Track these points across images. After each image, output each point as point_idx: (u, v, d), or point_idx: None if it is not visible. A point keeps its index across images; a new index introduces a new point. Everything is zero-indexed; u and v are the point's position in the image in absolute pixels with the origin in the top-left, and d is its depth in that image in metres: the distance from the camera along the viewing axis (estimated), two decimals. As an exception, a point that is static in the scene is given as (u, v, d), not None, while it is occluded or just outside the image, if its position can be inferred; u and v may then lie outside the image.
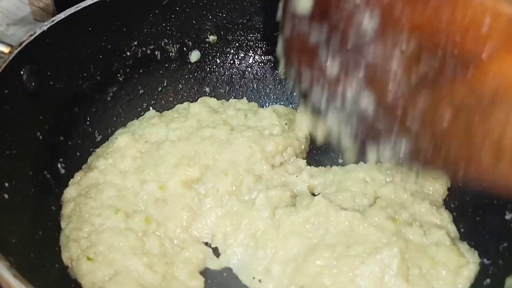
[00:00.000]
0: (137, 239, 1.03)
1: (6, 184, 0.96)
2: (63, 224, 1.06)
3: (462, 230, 1.10)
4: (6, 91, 1.00)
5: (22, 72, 1.04)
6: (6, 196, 0.95)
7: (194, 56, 1.33)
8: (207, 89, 1.36)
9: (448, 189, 1.17)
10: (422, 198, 1.12)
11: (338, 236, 1.02)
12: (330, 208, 1.05)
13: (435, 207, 1.11)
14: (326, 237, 1.03)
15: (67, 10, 1.12)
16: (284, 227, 1.05)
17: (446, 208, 1.14)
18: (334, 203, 1.08)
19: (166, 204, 1.10)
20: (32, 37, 1.06)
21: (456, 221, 1.11)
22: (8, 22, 1.61)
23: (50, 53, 1.10)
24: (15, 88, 1.02)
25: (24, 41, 1.05)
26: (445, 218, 1.10)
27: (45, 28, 1.08)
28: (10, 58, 1.02)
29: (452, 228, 1.09)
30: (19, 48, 1.04)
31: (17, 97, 1.03)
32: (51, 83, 1.11)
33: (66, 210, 1.07)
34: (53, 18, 1.10)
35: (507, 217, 1.04)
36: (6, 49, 1.05)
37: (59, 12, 1.58)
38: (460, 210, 1.13)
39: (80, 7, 1.13)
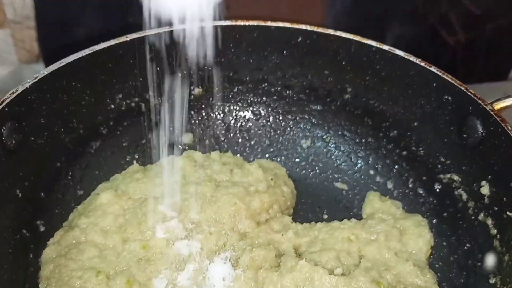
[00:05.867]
0: (118, 303, 1.01)
1: (-17, 247, 0.94)
2: (41, 287, 1.03)
3: (446, 292, 1.10)
4: (-15, 150, 0.98)
5: (2, 130, 1.01)
6: (-18, 259, 0.93)
7: (186, 138, 1.34)
8: (192, 142, 1.35)
9: (432, 248, 1.17)
10: (406, 258, 1.11)
11: (323, 302, 1.01)
12: (314, 272, 1.03)
13: (419, 268, 1.10)
14: (310, 303, 1.01)
15: (50, 66, 1.10)
16: (267, 290, 1.04)
17: (430, 268, 1.13)
18: (319, 265, 1.07)
19: (149, 264, 1.07)
20: (14, 95, 1.04)
21: (440, 283, 1.10)
22: (-8, 63, 1.59)
23: (32, 109, 1.08)
24: (-6, 147, 1.00)
25: (5, 99, 1.03)
26: (429, 279, 1.09)
27: (27, 85, 1.05)
28: (-9, 117, 1.00)
29: (436, 290, 1.09)
30: (0, 106, 1.01)
31: (-4, 156, 1.01)
32: (32, 138, 1.09)
33: (45, 272, 1.04)
34: (36, 75, 1.08)
35: (491, 281, 1.04)
36: (-13, 107, 1.03)
37: (43, 54, 1.58)
38: (444, 271, 1.13)
39: (64, 63, 1.11)
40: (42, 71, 1.09)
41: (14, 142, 1.04)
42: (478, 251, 1.08)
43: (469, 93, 1.11)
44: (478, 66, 1.77)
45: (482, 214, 1.09)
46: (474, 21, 1.65)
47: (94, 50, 1.16)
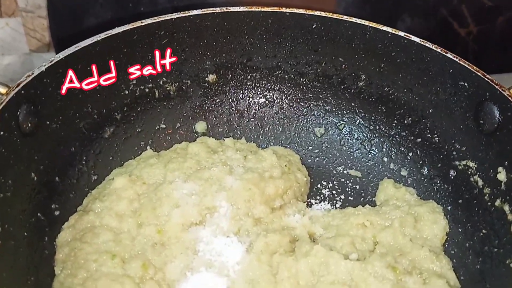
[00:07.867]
0: (134, 285, 1.00)
1: (-1, 229, 0.94)
2: (57, 269, 1.03)
3: (462, 278, 1.09)
4: (1, 132, 0.97)
5: (18, 113, 1.01)
6: (-1, 241, 0.93)
7: (199, 127, 1.34)
8: (205, 129, 1.35)
9: (447, 234, 1.16)
10: (421, 244, 1.11)
11: (338, 286, 1.01)
12: (329, 257, 1.03)
13: (434, 254, 1.10)
14: (325, 287, 1.01)
15: (66, 50, 1.10)
16: (282, 274, 1.03)
17: (446, 254, 1.13)
18: (334, 250, 1.06)
19: (164, 248, 1.07)
20: (30, 78, 1.04)
21: (456, 269, 1.10)
22: (3, 52, 1.59)
23: (48, 93, 1.08)
24: (11, 129, 1.00)
25: (21, 82, 1.03)
26: (444, 265, 1.09)
27: (43, 68, 1.06)
28: (7, 99, 1.00)
29: (452, 276, 1.08)
30: (17, 89, 1.01)
31: (12, 138, 1.00)
32: (48, 122, 1.09)
33: (60, 255, 1.05)
34: (51, 58, 1.08)
35: (508, 267, 1.03)
36: (3, 90, 1.02)
37: (55, 43, 1.58)
38: (459, 257, 1.13)
39: (79, 47, 1.11)
40: (58, 54, 1.09)
41: (29, 125, 1.04)
42: (495, 237, 1.08)
43: (486, 79, 1.10)
44: (489, 58, 1.76)
45: (498, 201, 1.08)
46: (486, 13, 1.64)
47: (109, 34, 1.16)
